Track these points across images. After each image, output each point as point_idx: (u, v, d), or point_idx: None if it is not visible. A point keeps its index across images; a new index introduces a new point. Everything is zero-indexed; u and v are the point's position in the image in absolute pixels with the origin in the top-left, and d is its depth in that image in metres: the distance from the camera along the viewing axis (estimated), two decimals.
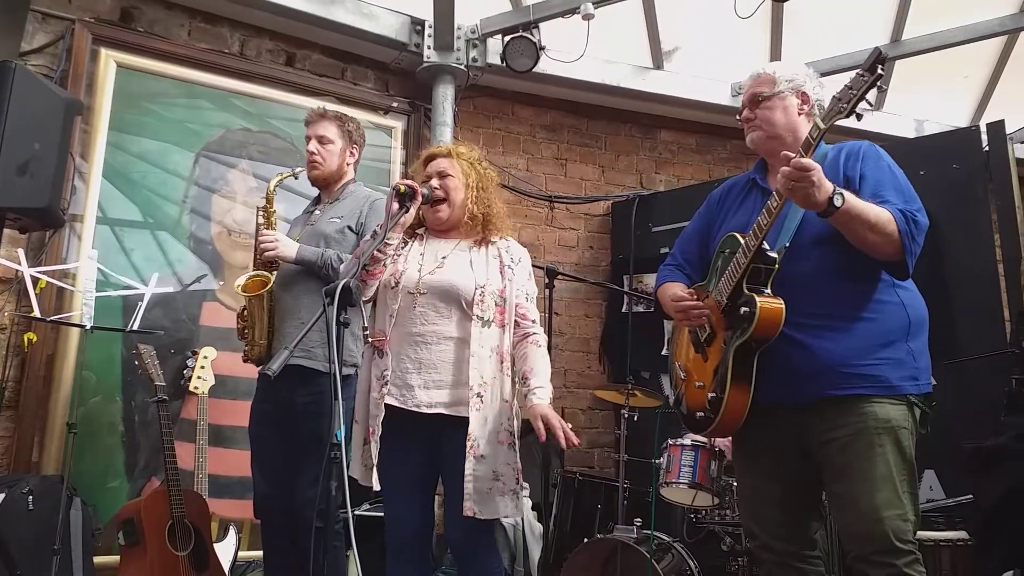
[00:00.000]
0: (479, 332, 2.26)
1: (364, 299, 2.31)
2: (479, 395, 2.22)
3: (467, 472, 2.16)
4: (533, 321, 2.38)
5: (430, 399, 2.24)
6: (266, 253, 2.78)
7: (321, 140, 2.92)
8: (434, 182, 2.41)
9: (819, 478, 2.02)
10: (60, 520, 2.98)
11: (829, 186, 1.82)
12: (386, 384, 2.25)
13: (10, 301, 3.50)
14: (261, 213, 2.90)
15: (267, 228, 2.85)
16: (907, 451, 1.92)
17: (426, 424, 2.25)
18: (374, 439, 2.23)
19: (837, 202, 1.81)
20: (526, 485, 3.82)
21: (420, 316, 2.28)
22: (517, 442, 2.29)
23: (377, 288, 2.35)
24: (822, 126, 1.83)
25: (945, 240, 3.67)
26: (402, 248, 2.39)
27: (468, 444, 2.18)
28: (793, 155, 1.82)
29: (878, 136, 5.11)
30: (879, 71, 1.75)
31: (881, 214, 1.87)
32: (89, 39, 3.81)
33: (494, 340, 2.29)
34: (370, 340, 2.29)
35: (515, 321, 2.35)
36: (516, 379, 2.33)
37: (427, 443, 2.28)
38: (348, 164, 3.00)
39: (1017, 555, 2.57)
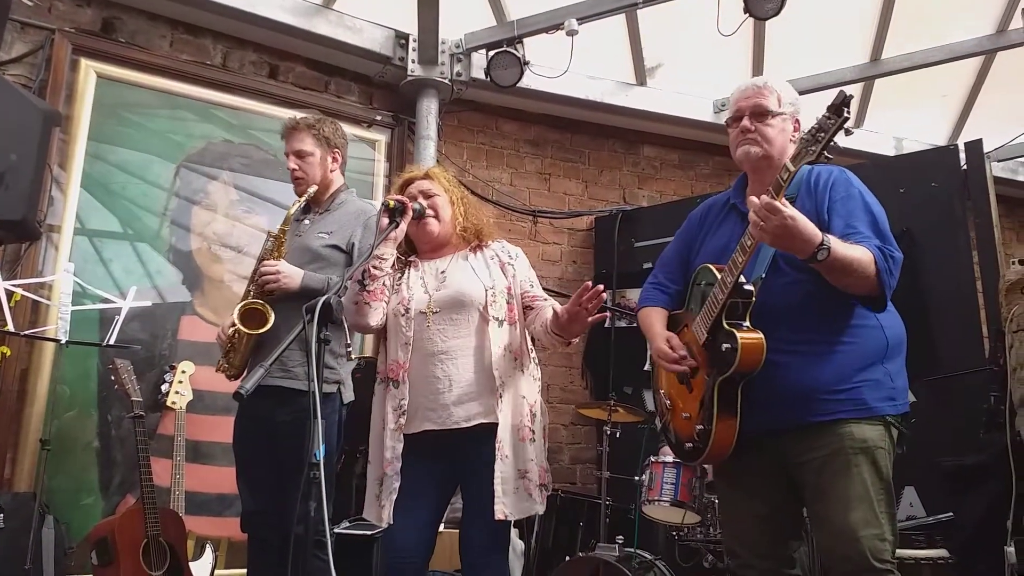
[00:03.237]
0: (496, 333, 2.25)
1: (372, 324, 2.28)
2: (500, 396, 2.21)
3: (496, 474, 2.14)
4: (544, 299, 2.38)
5: (467, 413, 2.21)
6: (268, 286, 2.61)
7: (299, 155, 2.82)
8: (421, 200, 2.39)
9: (799, 498, 2.03)
10: (32, 538, 2.93)
11: (816, 237, 1.80)
12: (404, 414, 2.22)
13: None
14: (270, 239, 2.71)
15: (275, 256, 2.66)
16: (884, 471, 1.92)
17: (452, 440, 2.22)
18: (390, 471, 2.18)
19: (821, 256, 1.80)
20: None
21: (439, 334, 2.25)
22: (538, 439, 2.28)
23: (387, 318, 2.31)
24: (791, 168, 1.80)
25: (924, 257, 3.70)
26: (400, 277, 2.36)
27: (497, 446, 2.16)
28: (758, 199, 1.81)
29: (858, 154, 5.16)
30: (845, 114, 1.73)
31: (863, 258, 1.86)
32: (69, 49, 3.78)
33: (507, 338, 2.28)
34: (352, 356, 2.25)
35: (527, 307, 2.36)
36: (541, 332, 2.29)
37: (448, 461, 2.24)
38: (332, 171, 2.88)
39: (998, 574, 2.57)
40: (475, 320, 2.27)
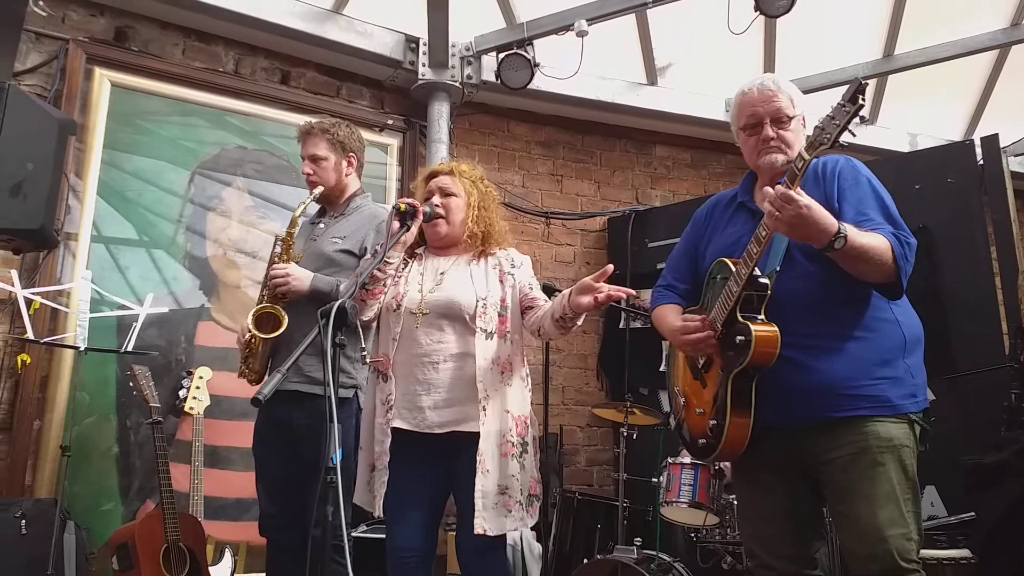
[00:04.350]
0: (483, 344, 2.25)
1: (365, 319, 2.30)
2: (484, 408, 2.21)
3: (476, 488, 2.15)
4: (545, 300, 2.37)
5: (441, 419, 2.22)
6: (279, 289, 2.64)
7: (314, 159, 2.82)
8: (436, 199, 2.40)
9: (820, 497, 2.01)
10: (53, 544, 2.95)
11: (833, 226, 1.79)
12: (391, 409, 2.23)
13: (3, 323, 3.47)
14: (278, 243, 2.74)
15: (284, 259, 2.70)
16: (910, 469, 1.90)
17: (438, 445, 2.23)
18: (380, 464, 2.21)
19: (838, 245, 1.79)
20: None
21: (424, 336, 2.26)
22: (529, 451, 2.28)
23: (379, 311, 2.33)
24: (807, 157, 1.80)
25: (941, 254, 3.67)
26: (402, 269, 2.36)
27: (478, 459, 2.16)
28: (774, 190, 1.79)
29: (872, 150, 5.13)
30: (860, 102, 1.73)
31: (879, 245, 1.85)
32: (83, 58, 3.81)
33: (495, 351, 2.28)
34: (369, 362, 2.27)
35: (528, 308, 2.35)
36: (548, 321, 2.26)
37: (439, 464, 2.26)
38: (348, 175, 2.88)
39: (1021, 573, 2.55)
40: (462, 329, 2.27)
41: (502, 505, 2.19)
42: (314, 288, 2.64)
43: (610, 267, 2.15)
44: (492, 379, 2.25)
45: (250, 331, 2.65)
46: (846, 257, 1.84)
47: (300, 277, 2.64)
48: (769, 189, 1.82)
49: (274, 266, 2.69)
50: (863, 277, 1.90)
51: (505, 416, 2.25)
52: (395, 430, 2.23)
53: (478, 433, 2.20)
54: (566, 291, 2.23)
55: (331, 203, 2.90)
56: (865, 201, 1.96)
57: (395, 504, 2.25)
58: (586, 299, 2.13)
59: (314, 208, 2.97)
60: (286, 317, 2.62)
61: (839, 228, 1.79)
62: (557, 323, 2.24)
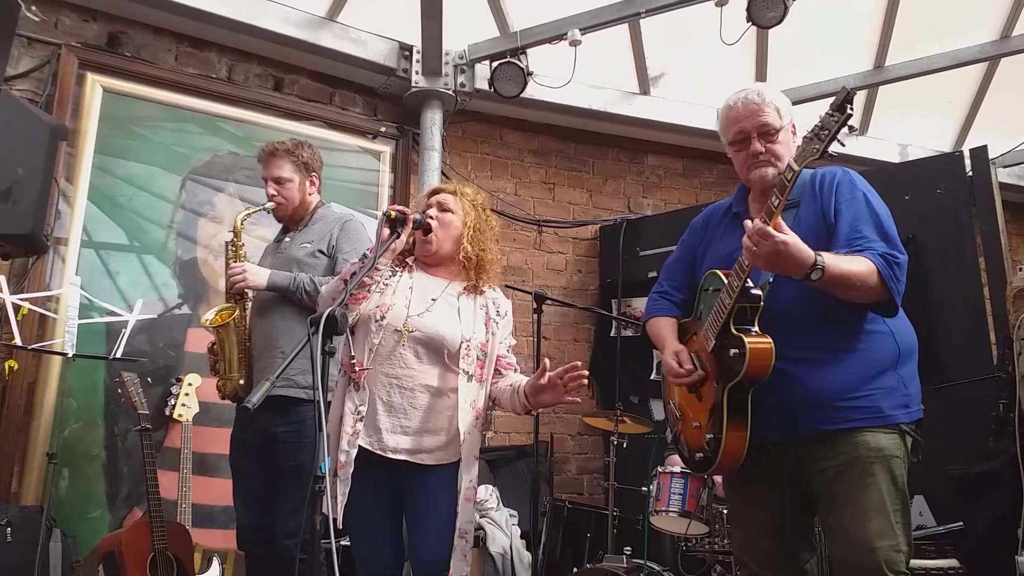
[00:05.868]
0: (464, 387, 2.23)
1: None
2: (459, 451, 2.20)
3: None
4: (516, 369, 2.39)
5: (396, 444, 2.20)
6: (236, 285, 2.77)
7: (278, 181, 2.92)
8: (432, 211, 2.38)
9: (811, 508, 2.01)
10: (39, 552, 2.93)
11: (809, 259, 1.80)
12: (361, 420, 2.20)
13: None
14: (229, 247, 2.88)
15: (235, 261, 2.84)
16: (900, 480, 1.90)
17: (392, 469, 2.21)
18: (343, 475, 2.17)
19: (815, 276, 1.80)
20: (515, 513, 3.80)
21: (400, 358, 2.22)
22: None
23: (358, 316, 2.29)
24: (796, 168, 1.80)
25: (930, 265, 3.68)
26: (390, 278, 2.33)
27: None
28: (752, 225, 1.80)
29: (863, 160, 5.16)
30: (848, 110, 1.73)
31: (861, 270, 1.85)
32: (75, 64, 3.80)
33: (473, 395, 2.26)
34: (358, 369, 2.24)
35: (498, 371, 2.35)
36: (508, 393, 2.29)
37: (394, 487, 2.24)
38: (311, 194, 2.99)
39: None
40: (441, 363, 2.25)
41: (459, 549, 2.17)
42: (272, 284, 2.75)
43: (578, 363, 2.14)
44: (469, 424, 2.23)
45: (206, 321, 2.81)
46: (827, 286, 1.85)
47: (256, 273, 2.77)
48: (748, 223, 1.83)
49: (230, 266, 2.83)
50: (851, 300, 1.90)
51: (474, 463, 2.24)
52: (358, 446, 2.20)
53: (430, 467, 2.19)
54: (523, 382, 2.25)
55: (296, 221, 2.99)
56: (860, 217, 1.96)
57: (358, 524, 2.23)
58: (548, 397, 2.18)
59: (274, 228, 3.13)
60: (237, 309, 2.79)
61: (815, 261, 1.80)
62: (523, 406, 2.27)
